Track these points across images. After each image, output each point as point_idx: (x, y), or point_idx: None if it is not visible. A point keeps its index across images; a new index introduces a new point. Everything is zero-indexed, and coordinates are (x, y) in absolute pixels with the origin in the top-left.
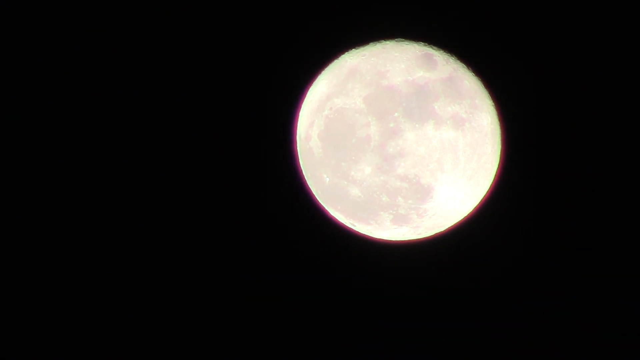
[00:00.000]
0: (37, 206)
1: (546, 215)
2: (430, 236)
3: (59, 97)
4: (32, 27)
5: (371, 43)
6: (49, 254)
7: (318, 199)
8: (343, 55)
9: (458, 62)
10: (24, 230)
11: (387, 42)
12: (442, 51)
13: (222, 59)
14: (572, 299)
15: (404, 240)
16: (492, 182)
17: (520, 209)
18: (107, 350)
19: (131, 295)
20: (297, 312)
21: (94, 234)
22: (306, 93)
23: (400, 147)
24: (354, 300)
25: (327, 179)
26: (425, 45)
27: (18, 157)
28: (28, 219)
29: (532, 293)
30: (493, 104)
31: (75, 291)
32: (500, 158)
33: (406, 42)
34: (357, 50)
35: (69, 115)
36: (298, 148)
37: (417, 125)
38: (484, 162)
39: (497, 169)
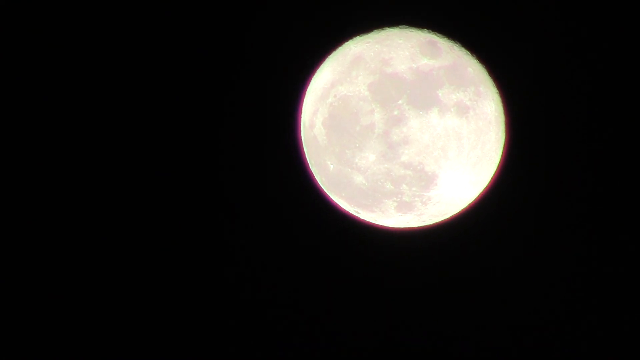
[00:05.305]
0: (39, 206)
1: (550, 203)
2: (434, 224)
3: (60, 95)
4: (31, 27)
5: (375, 30)
6: (50, 253)
7: (322, 186)
8: (347, 43)
9: (462, 49)
10: (34, 230)
11: (391, 29)
12: (446, 38)
13: (226, 47)
14: (576, 286)
15: (408, 228)
16: (496, 170)
17: (524, 197)
18: (112, 349)
19: (133, 290)
20: (300, 300)
21: (97, 228)
22: (310, 81)
23: (405, 135)
24: (358, 287)
25: (331, 167)
26: (429, 32)
27: (21, 157)
28: (31, 219)
29: (535, 281)
30: (497, 91)
31: (76, 288)
32: (504, 145)
33: (410, 30)
34: (361, 38)
35: (70, 114)
36: (302, 136)
37: (421, 112)
38: (488, 149)
39: (501, 156)
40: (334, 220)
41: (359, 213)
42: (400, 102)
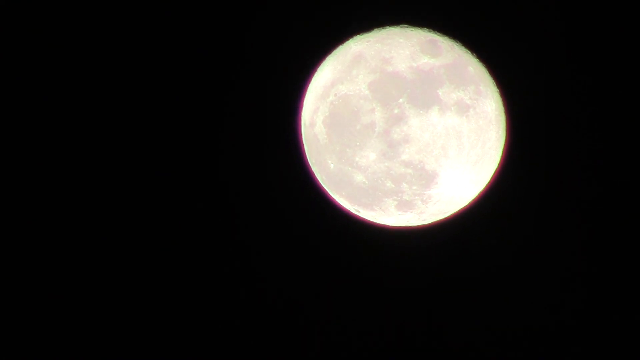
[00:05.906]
0: (40, 207)
1: (550, 202)
2: (434, 222)
3: (60, 95)
4: (31, 27)
5: (376, 29)
6: (50, 254)
7: (323, 185)
8: (348, 42)
9: (462, 48)
10: (35, 231)
11: (392, 28)
12: (446, 37)
13: (226, 47)
14: (576, 286)
15: (409, 227)
16: (497, 168)
17: (525, 195)
18: (111, 349)
19: (134, 290)
20: (301, 298)
21: (97, 228)
22: (311, 79)
23: (405, 133)
24: (358, 286)
25: (332, 165)
26: (429, 31)
27: (22, 157)
28: (32, 219)
29: (535, 280)
30: (497, 90)
31: (76, 289)
32: (505, 144)
33: (411, 28)
34: (362, 37)
35: (70, 114)
36: (303, 134)
37: (421, 111)
38: (489, 148)
39: (502, 155)
40: (335, 218)
41: (359, 212)
42: (400, 100)
